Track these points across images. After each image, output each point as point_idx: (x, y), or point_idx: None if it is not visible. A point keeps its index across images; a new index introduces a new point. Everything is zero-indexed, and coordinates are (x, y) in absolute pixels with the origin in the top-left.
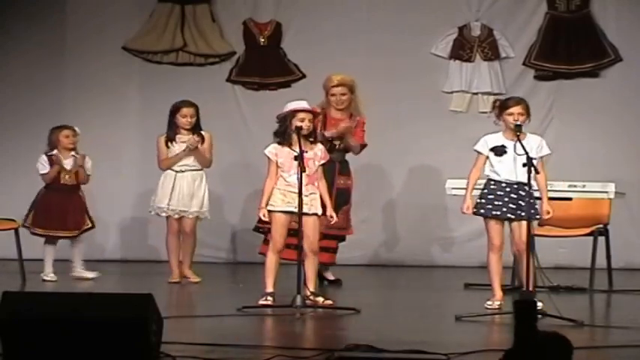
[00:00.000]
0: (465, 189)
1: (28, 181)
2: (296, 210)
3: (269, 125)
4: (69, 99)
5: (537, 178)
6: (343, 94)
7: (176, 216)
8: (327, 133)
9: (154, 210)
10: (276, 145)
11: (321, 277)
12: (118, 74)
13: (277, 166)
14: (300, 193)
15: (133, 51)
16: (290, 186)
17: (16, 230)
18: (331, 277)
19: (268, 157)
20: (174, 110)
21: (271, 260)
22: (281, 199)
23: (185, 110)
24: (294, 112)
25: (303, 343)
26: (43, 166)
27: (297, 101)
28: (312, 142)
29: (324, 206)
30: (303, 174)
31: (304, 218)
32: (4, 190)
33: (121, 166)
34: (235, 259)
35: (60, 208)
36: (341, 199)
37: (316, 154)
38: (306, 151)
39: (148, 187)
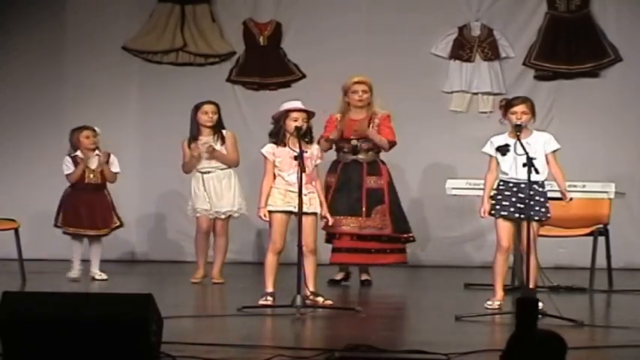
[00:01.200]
0: (482, 191)
1: (28, 181)
2: (295, 210)
3: (269, 125)
4: (69, 99)
5: (553, 173)
6: (365, 92)
7: (210, 217)
8: (354, 142)
9: (191, 213)
10: (272, 144)
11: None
12: (118, 74)
13: (274, 166)
14: (300, 193)
15: (133, 51)
16: (289, 185)
17: (16, 230)
18: (362, 277)
19: (265, 157)
20: (196, 109)
21: (271, 260)
22: (280, 199)
23: (206, 107)
24: (287, 112)
25: (303, 343)
26: (68, 167)
27: (291, 101)
28: (308, 142)
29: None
30: (302, 173)
31: (303, 218)
32: (4, 190)
33: (121, 166)
34: (236, 259)
35: (87, 206)
36: (373, 199)
37: (313, 153)
38: (306, 151)
39: (147, 187)
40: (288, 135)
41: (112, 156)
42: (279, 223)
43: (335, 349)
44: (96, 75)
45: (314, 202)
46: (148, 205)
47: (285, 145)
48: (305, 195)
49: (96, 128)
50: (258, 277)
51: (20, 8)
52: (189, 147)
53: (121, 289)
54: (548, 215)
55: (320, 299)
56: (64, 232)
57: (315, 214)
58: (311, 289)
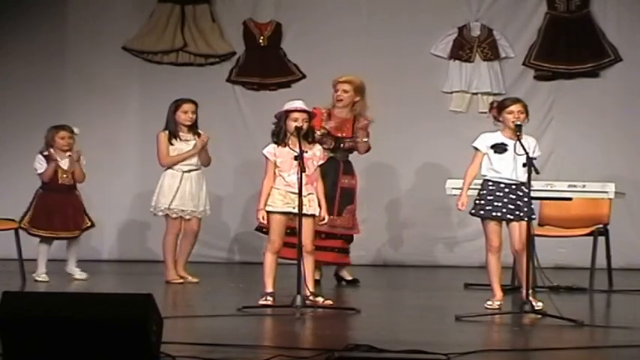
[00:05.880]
0: (462, 186)
1: (28, 181)
2: (294, 210)
3: (269, 126)
4: (69, 99)
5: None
6: (345, 91)
7: (187, 217)
8: (340, 139)
9: (161, 211)
10: (274, 145)
11: (338, 278)
12: (118, 74)
13: (275, 166)
14: (300, 194)
15: (133, 51)
16: (289, 186)
17: (16, 230)
18: (348, 277)
19: (266, 157)
20: (175, 107)
21: (270, 260)
22: (280, 200)
23: (186, 106)
24: (287, 113)
25: (303, 343)
26: (41, 165)
27: (294, 101)
28: (310, 142)
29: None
30: (303, 174)
31: (302, 218)
32: (4, 190)
33: (121, 167)
34: (235, 259)
35: (60, 208)
36: (346, 198)
37: (315, 154)
38: (306, 152)
39: (147, 187)
40: (289, 135)
41: (81, 156)
42: (277, 223)
43: (335, 349)
44: (96, 75)
45: (313, 203)
46: (147, 204)
47: (286, 146)
48: (305, 196)
49: (75, 130)
50: (258, 277)
51: (21, 9)
52: (169, 142)
53: (121, 289)
54: (534, 216)
55: (320, 299)
56: (31, 234)
57: (313, 215)
58: (311, 289)
